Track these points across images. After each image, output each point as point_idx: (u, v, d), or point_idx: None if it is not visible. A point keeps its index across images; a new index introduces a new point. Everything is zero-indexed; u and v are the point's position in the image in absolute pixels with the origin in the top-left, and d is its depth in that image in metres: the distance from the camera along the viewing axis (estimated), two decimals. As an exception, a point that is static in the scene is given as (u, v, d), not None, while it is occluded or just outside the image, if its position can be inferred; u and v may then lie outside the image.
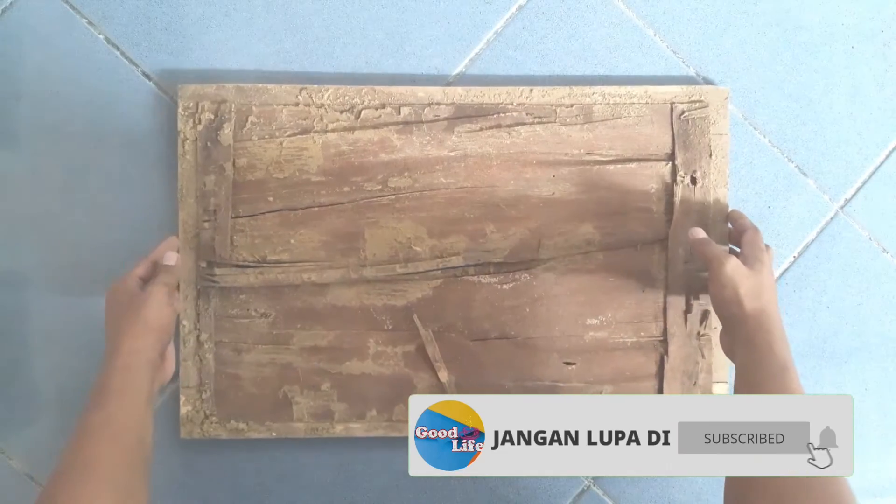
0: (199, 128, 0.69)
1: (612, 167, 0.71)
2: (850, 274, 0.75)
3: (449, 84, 0.73)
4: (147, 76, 0.72)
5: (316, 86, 0.70)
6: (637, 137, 0.71)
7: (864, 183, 0.75)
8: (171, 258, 0.67)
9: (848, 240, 0.75)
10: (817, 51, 0.75)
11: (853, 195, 0.75)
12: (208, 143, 0.69)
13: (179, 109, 0.69)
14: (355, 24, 0.73)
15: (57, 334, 0.72)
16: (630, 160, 0.71)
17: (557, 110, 0.71)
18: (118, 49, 0.72)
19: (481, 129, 0.70)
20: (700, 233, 0.68)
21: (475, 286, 0.71)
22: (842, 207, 0.75)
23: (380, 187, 0.70)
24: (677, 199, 0.70)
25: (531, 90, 0.71)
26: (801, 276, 0.75)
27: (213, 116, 0.69)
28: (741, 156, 0.74)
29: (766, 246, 0.66)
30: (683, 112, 0.71)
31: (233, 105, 0.69)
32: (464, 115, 0.70)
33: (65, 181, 0.72)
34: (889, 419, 0.75)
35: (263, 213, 0.70)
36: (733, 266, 0.62)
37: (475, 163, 0.70)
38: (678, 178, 0.71)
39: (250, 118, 0.70)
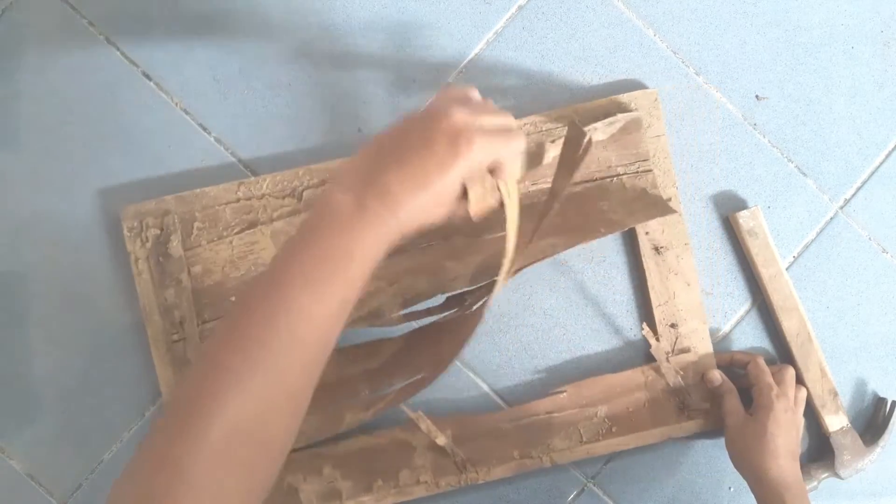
0: (148, 245, 0.69)
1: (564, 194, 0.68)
2: (849, 274, 0.75)
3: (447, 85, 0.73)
4: (147, 76, 0.73)
5: (253, 178, 0.70)
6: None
7: (864, 183, 0.75)
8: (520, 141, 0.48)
9: (848, 240, 0.75)
10: (817, 51, 0.75)
11: (853, 195, 0.75)
12: (160, 258, 0.69)
13: (125, 231, 0.69)
14: (355, 24, 0.73)
15: (57, 334, 0.72)
16: (579, 183, 0.70)
17: None
18: (118, 49, 0.72)
19: None
20: (715, 378, 0.68)
21: (441, 325, 0.69)
22: (841, 207, 0.75)
23: None
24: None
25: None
26: (801, 276, 0.75)
27: (159, 231, 0.69)
28: (741, 156, 0.74)
29: (798, 387, 0.67)
30: (614, 123, 0.69)
31: (175, 216, 0.69)
32: None
33: (65, 181, 0.72)
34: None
35: None
36: (740, 425, 0.62)
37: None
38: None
39: (195, 224, 0.69)
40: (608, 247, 0.73)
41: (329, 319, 0.43)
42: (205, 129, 0.73)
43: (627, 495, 0.74)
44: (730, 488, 0.74)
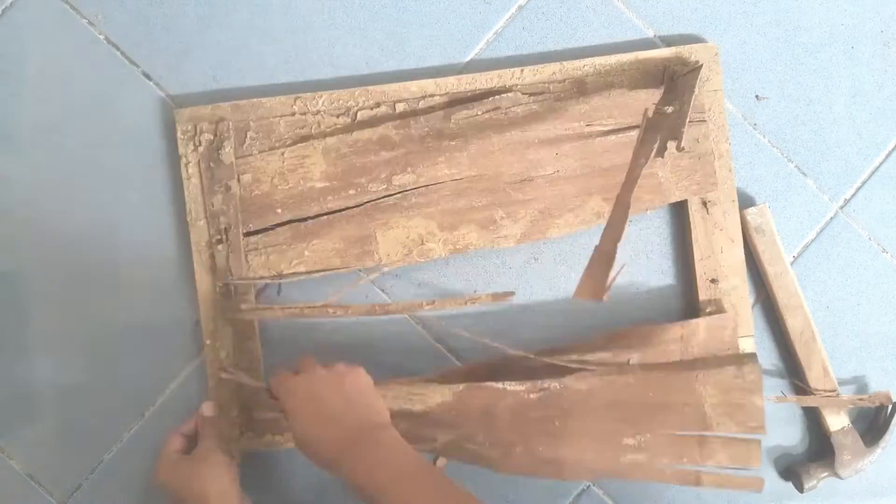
0: (200, 149, 0.69)
1: (612, 137, 0.69)
2: (850, 274, 0.75)
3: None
4: (147, 76, 0.72)
5: (310, 94, 0.70)
6: (633, 104, 0.69)
7: (864, 183, 0.75)
8: (209, 408, 0.68)
9: (848, 240, 0.75)
10: (817, 51, 0.75)
11: (853, 195, 0.75)
12: (211, 164, 0.69)
13: (178, 134, 0.69)
14: (355, 25, 0.73)
15: (57, 334, 0.72)
16: (630, 128, 0.70)
17: (550, 87, 0.70)
18: (118, 49, 0.72)
19: (478, 115, 0.70)
20: None
21: (499, 393, 0.68)
22: (841, 207, 0.75)
23: (385, 186, 0.69)
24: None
25: (522, 70, 0.70)
26: (801, 276, 0.74)
27: (212, 137, 0.69)
28: (741, 156, 0.74)
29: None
30: (675, 73, 0.70)
31: (230, 123, 0.69)
32: (459, 102, 0.70)
33: (65, 181, 0.72)
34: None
35: (274, 228, 0.70)
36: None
37: (476, 150, 0.69)
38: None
39: (249, 133, 0.70)
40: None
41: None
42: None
43: (628, 496, 0.74)
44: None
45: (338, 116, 0.70)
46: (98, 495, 0.72)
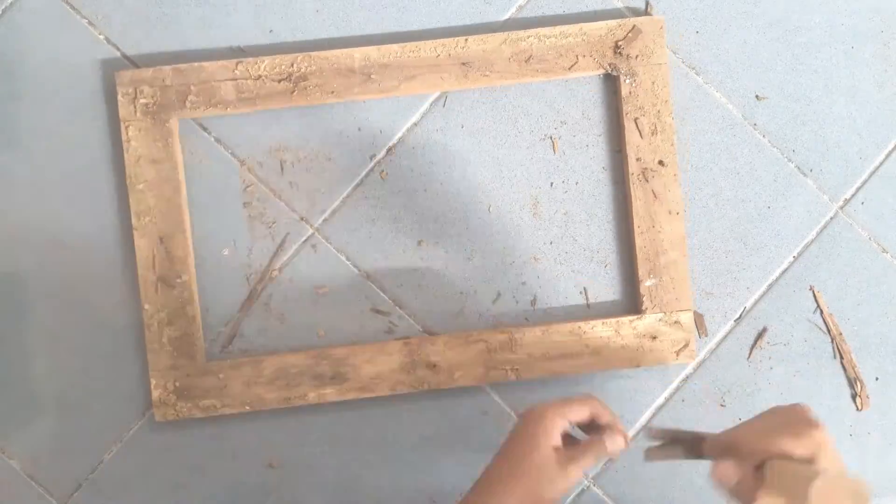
0: (138, 115, 0.70)
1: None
2: (850, 274, 0.75)
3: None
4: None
5: (252, 58, 0.70)
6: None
7: (864, 183, 0.75)
8: (619, 443, 0.58)
9: (848, 240, 0.75)
10: (817, 51, 0.75)
11: (853, 195, 0.75)
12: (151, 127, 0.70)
13: (119, 96, 0.70)
14: (354, 25, 0.73)
15: (57, 334, 0.72)
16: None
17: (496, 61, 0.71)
18: (118, 49, 0.72)
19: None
20: (725, 474, 0.52)
21: None
22: (841, 207, 0.75)
23: None
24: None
25: (466, 40, 0.70)
26: (801, 276, 0.74)
27: (151, 100, 0.70)
28: (741, 156, 0.74)
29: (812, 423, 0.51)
30: (619, 45, 0.71)
31: (172, 86, 0.70)
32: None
33: (64, 181, 0.72)
34: (889, 419, 0.75)
35: None
36: None
37: None
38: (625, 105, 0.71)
39: (189, 97, 0.70)
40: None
41: None
42: (205, 129, 0.73)
43: (628, 496, 0.74)
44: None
45: (279, 81, 0.70)
46: (98, 495, 0.72)
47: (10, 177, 0.72)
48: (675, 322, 0.71)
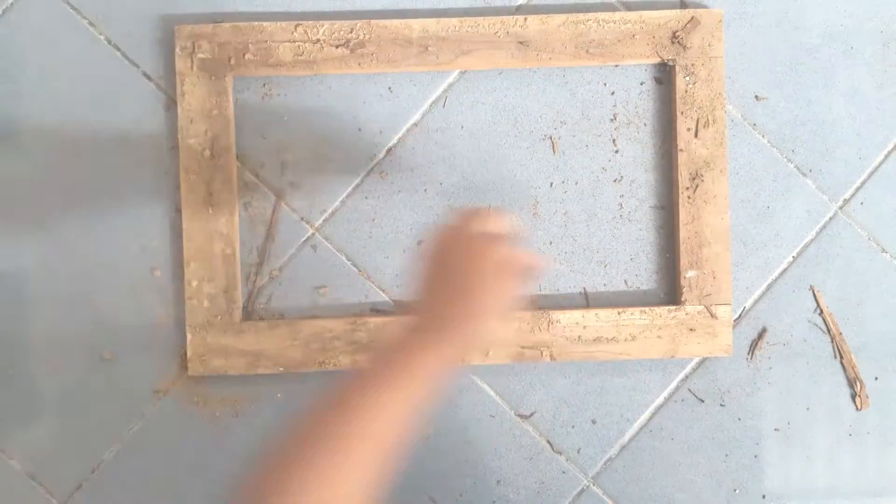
0: (195, 69, 0.70)
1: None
2: (849, 274, 0.75)
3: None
4: (147, 76, 0.72)
5: (311, 22, 0.70)
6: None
7: (864, 183, 0.75)
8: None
9: (848, 240, 0.75)
10: (817, 51, 0.75)
11: (852, 195, 0.75)
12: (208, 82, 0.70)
13: (177, 49, 0.70)
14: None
15: (57, 334, 0.72)
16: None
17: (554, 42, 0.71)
18: (118, 49, 0.72)
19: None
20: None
21: None
22: (841, 207, 0.75)
23: None
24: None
25: (525, 19, 0.71)
26: (801, 275, 0.75)
27: (209, 56, 0.70)
28: (741, 156, 0.74)
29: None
30: (677, 34, 0.71)
31: (230, 43, 0.70)
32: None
33: (65, 181, 0.72)
34: (889, 419, 0.75)
35: None
36: None
37: None
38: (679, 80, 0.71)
39: (247, 55, 0.70)
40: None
41: (401, 422, 0.48)
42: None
43: (628, 495, 0.74)
44: (735, 490, 0.74)
45: (336, 47, 0.71)
46: (98, 495, 0.72)
47: (10, 176, 0.72)
48: (713, 315, 0.71)
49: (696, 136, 0.71)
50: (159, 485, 0.73)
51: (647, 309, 0.71)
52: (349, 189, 0.73)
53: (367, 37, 0.71)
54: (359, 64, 0.71)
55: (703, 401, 0.74)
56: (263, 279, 0.72)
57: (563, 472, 0.74)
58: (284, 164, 0.73)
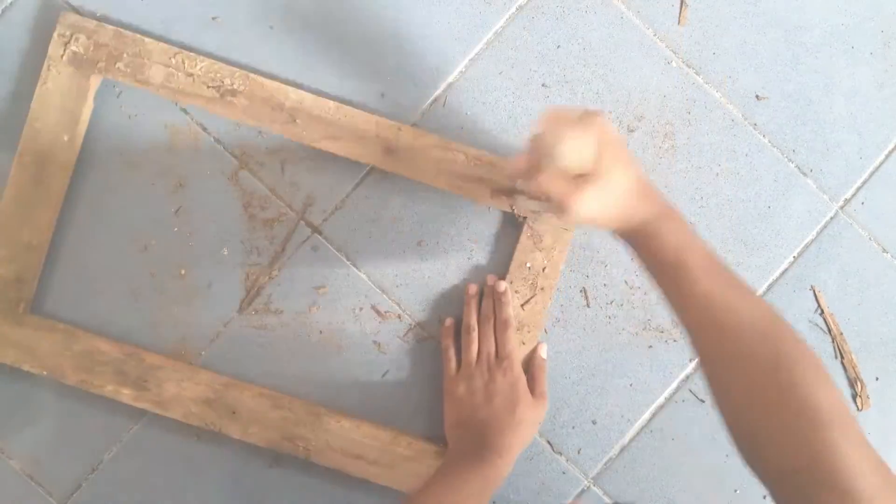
0: (64, 59, 0.69)
1: None
2: (850, 274, 0.75)
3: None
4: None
5: (193, 55, 0.69)
6: None
7: (864, 183, 0.75)
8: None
9: (848, 240, 0.75)
10: (817, 51, 0.75)
11: (853, 195, 0.75)
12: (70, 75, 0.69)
13: (55, 35, 0.69)
14: (356, 24, 0.73)
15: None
16: None
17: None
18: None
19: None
20: (516, 164, 0.58)
21: None
22: (842, 207, 0.75)
23: None
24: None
25: (399, 128, 0.70)
26: (801, 275, 0.74)
27: (82, 50, 0.69)
28: (741, 156, 0.74)
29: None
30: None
31: (107, 45, 0.69)
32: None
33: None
34: (889, 419, 0.75)
35: None
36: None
37: None
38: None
39: (118, 64, 0.69)
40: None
41: None
42: (205, 129, 0.73)
43: (628, 496, 0.74)
44: (735, 491, 0.74)
45: (208, 87, 0.69)
46: (98, 495, 0.72)
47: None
48: None
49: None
50: (159, 485, 0.72)
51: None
52: (349, 189, 0.73)
53: (242, 88, 0.69)
54: (223, 109, 0.69)
55: (703, 401, 0.74)
56: (264, 279, 0.73)
57: (564, 473, 0.74)
58: (283, 164, 0.73)
